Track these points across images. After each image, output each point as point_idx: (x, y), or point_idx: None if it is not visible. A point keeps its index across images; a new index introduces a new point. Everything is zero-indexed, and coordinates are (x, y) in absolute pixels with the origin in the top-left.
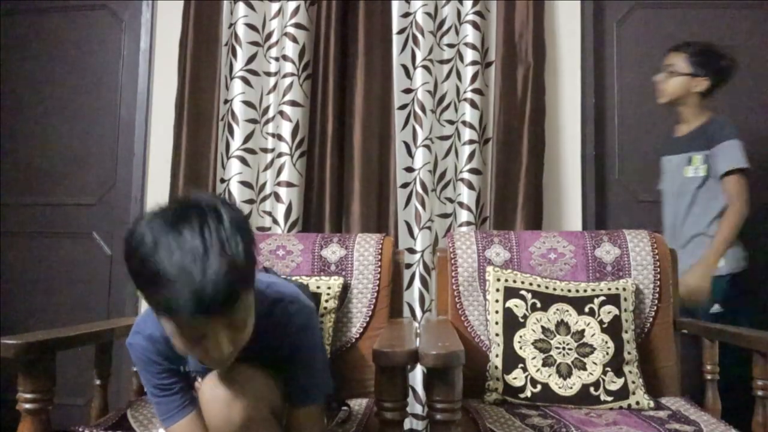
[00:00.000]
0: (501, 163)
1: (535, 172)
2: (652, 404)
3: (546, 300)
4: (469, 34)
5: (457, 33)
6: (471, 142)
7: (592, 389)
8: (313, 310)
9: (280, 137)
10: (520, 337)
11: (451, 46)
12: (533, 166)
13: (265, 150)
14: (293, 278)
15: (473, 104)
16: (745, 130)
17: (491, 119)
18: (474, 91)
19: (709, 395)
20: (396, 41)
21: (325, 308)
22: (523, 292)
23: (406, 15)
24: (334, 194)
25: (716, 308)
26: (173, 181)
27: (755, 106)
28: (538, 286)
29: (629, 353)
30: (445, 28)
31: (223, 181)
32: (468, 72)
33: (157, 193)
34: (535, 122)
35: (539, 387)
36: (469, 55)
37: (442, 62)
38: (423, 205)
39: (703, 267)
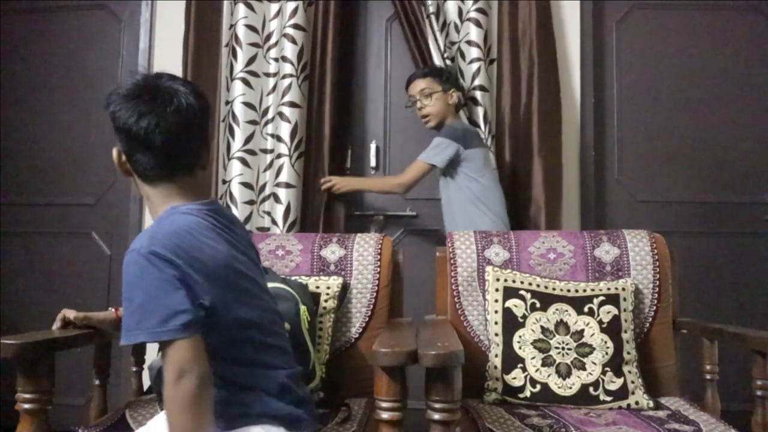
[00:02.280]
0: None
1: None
2: (651, 404)
3: (545, 300)
4: (471, 31)
5: (458, 31)
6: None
7: (591, 389)
8: (147, 253)
9: (278, 138)
10: (520, 337)
11: (452, 43)
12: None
13: (264, 151)
14: (292, 278)
15: (474, 101)
16: (743, 130)
17: (494, 116)
18: (478, 88)
19: (709, 395)
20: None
21: (325, 308)
22: (522, 292)
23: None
24: (332, 194)
25: None
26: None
27: (755, 105)
28: (538, 286)
29: (628, 353)
30: (448, 26)
31: (224, 182)
32: (471, 69)
33: None
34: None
35: (538, 387)
36: (473, 53)
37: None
38: None
39: (347, 181)
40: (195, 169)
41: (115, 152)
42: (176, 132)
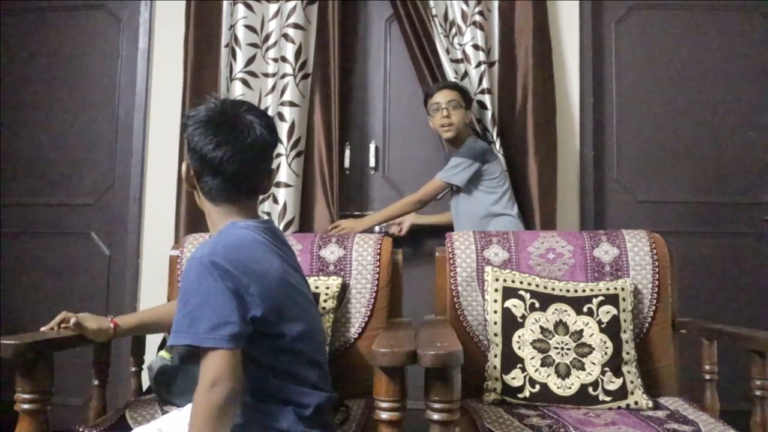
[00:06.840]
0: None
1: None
2: (650, 404)
3: (544, 300)
4: (477, 35)
5: (462, 33)
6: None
7: (590, 389)
8: (208, 263)
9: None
10: (519, 337)
11: (459, 44)
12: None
13: None
14: None
15: (482, 105)
16: (743, 130)
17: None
18: (487, 91)
19: (708, 395)
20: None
21: (324, 308)
22: (521, 292)
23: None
24: (331, 194)
25: None
26: (180, 184)
27: (755, 105)
28: (537, 286)
29: (628, 353)
30: (453, 28)
31: None
32: (478, 72)
33: (156, 193)
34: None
35: (538, 387)
36: (480, 56)
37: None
38: None
39: (360, 221)
40: (257, 195)
41: (184, 167)
42: (247, 163)
